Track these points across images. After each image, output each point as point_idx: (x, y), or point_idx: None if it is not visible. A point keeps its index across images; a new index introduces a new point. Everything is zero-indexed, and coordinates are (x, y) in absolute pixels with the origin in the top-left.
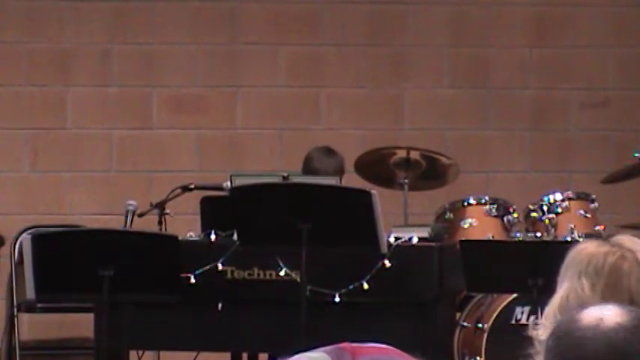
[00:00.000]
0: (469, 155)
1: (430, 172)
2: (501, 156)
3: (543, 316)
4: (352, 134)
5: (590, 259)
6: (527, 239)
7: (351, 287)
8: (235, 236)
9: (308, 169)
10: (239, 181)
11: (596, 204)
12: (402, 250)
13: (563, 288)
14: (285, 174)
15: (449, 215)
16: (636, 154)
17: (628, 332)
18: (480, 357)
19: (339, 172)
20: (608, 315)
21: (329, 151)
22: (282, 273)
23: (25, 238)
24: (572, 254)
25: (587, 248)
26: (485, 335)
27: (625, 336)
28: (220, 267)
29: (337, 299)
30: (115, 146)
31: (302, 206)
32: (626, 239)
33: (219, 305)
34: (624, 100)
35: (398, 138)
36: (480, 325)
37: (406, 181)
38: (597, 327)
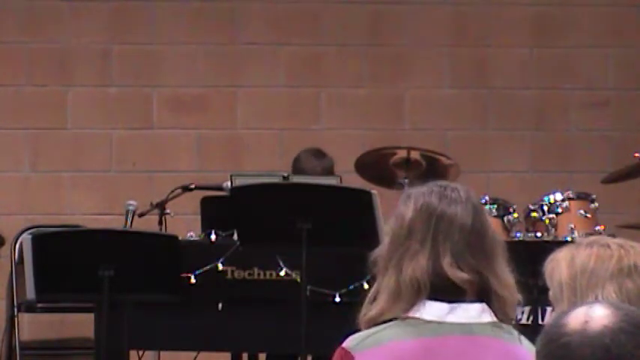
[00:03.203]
0: (469, 155)
1: (430, 172)
2: (501, 156)
3: None
4: (352, 134)
5: (608, 261)
6: (527, 239)
7: (351, 287)
8: (235, 236)
9: (296, 170)
10: (239, 181)
11: (596, 204)
12: None
13: (593, 297)
14: (285, 174)
15: None
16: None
17: (614, 334)
18: None
19: (328, 174)
20: (594, 317)
21: (317, 153)
22: (282, 273)
23: (25, 238)
24: (582, 263)
25: (593, 253)
26: None
27: (612, 338)
28: (220, 267)
29: (337, 299)
30: (115, 146)
31: (302, 206)
32: (601, 237)
33: (219, 305)
34: (624, 100)
35: (398, 138)
36: None
37: (406, 181)
38: (583, 331)
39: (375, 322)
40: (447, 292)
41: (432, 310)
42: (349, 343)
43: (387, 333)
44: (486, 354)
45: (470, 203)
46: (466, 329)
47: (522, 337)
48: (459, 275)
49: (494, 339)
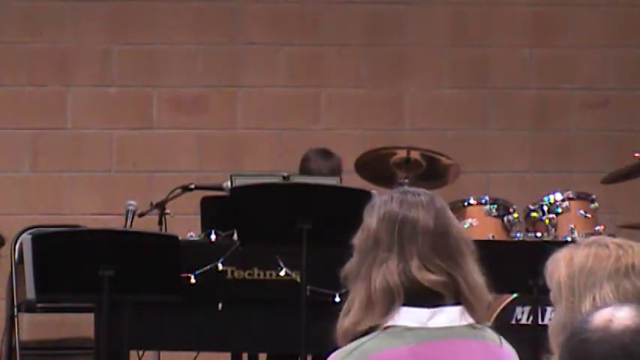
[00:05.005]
0: (469, 155)
1: (430, 172)
2: (501, 156)
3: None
4: (352, 134)
5: (607, 262)
6: (527, 239)
7: None
8: (235, 236)
9: (304, 170)
10: (239, 181)
11: (596, 204)
12: None
13: (590, 297)
14: (285, 174)
15: None
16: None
17: (635, 335)
18: None
19: (336, 173)
20: (618, 317)
21: (325, 153)
22: (282, 273)
23: (25, 238)
24: (581, 263)
25: (592, 253)
26: None
27: (633, 338)
28: (220, 267)
29: (337, 299)
30: (115, 146)
31: (302, 206)
32: (601, 237)
33: (219, 305)
34: (624, 100)
35: (398, 138)
36: None
37: (406, 181)
38: (606, 329)
39: (352, 334)
40: (424, 297)
41: (413, 317)
42: None
43: (371, 345)
44: (471, 357)
45: (432, 206)
46: (449, 333)
47: (502, 338)
48: (429, 278)
49: (477, 341)
